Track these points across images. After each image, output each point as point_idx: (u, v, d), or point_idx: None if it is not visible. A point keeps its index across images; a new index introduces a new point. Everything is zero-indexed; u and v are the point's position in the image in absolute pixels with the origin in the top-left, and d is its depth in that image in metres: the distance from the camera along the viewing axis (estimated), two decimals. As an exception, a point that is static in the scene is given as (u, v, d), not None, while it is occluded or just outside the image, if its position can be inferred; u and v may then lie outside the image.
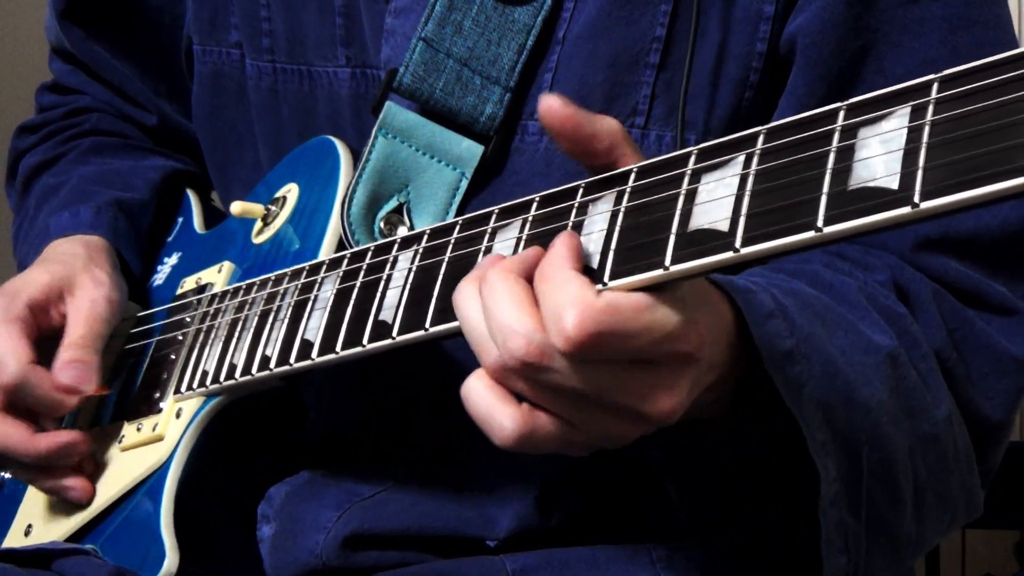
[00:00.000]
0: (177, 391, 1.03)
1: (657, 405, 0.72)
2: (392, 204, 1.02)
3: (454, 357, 1.01)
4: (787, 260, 0.97)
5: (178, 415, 1.03)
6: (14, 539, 1.11)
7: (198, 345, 1.04)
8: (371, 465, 1.04)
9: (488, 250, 0.81)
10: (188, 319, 1.08)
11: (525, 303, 0.71)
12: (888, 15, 0.97)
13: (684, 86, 0.97)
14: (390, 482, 1.03)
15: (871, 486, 0.84)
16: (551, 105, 0.74)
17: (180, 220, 1.26)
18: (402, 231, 1.01)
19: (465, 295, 0.74)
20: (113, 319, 1.08)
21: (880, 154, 0.63)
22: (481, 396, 0.74)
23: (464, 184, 1.01)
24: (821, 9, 0.96)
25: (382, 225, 1.01)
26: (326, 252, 1.01)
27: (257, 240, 1.10)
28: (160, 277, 1.20)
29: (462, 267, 0.82)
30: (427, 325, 0.82)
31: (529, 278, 0.73)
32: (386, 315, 0.86)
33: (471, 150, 1.01)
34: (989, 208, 0.94)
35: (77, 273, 1.09)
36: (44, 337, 1.06)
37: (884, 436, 0.85)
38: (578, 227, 0.76)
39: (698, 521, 0.87)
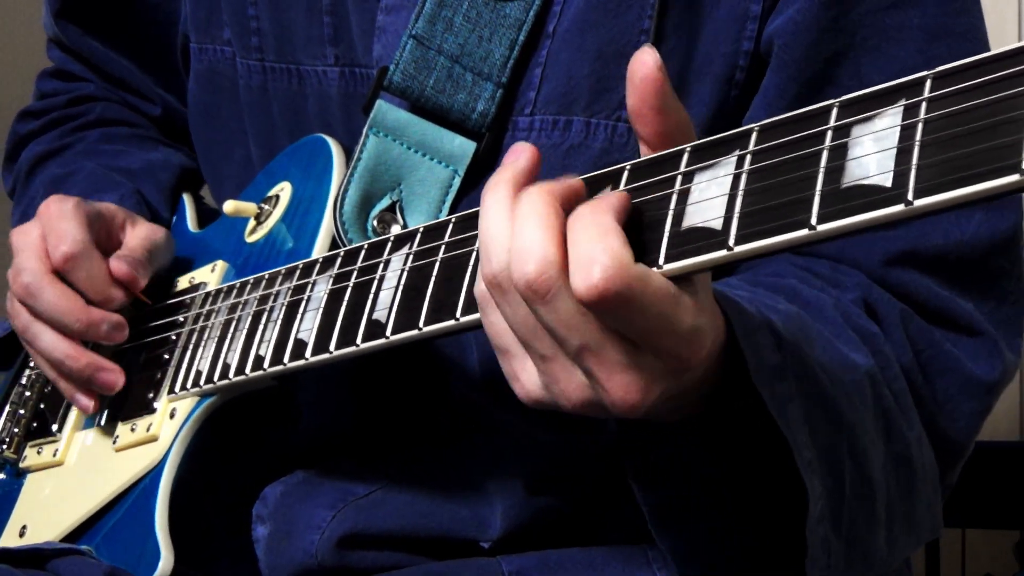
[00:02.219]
0: (171, 391, 1.03)
1: (621, 391, 0.70)
2: (385, 203, 1.01)
3: (446, 356, 1.01)
4: (764, 274, 0.96)
5: (172, 415, 1.02)
6: (8, 539, 1.10)
7: (192, 345, 1.04)
8: (365, 464, 1.04)
9: None
10: (182, 318, 1.07)
11: (556, 231, 0.69)
12: (867, 20, 0.96)
13: None
14: (384, 481, 1.03)
15: (852, 505, 0.83)
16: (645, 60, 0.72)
17: (174, 219, 1.25)
18: (395, 230, 1.01)
19: (496, 197, 0.72)
20: (165, 257, 1.12)
21: (873, 152, 0.63)
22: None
23: (457, 182, 1.01)
24: (796, 12, 0.95)
25: (375, 224, 1.01)
26: (319, 252, 1.01)
27: (250, 239, 1.09)
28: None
29: (455, 267, 0.82)
30: (421, 325, 0.82)
31: (567, 208, 0.71)
32: (380, 315, 0.86)
33: (463, 147, 1.00)
34: (959, 223, 0.95)
35: (139, 217, 1.13)
36: (99, 249, 1.06)
37: (864, 455, 0.84)
38: None
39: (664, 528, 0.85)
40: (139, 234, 1.10)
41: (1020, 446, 1.04)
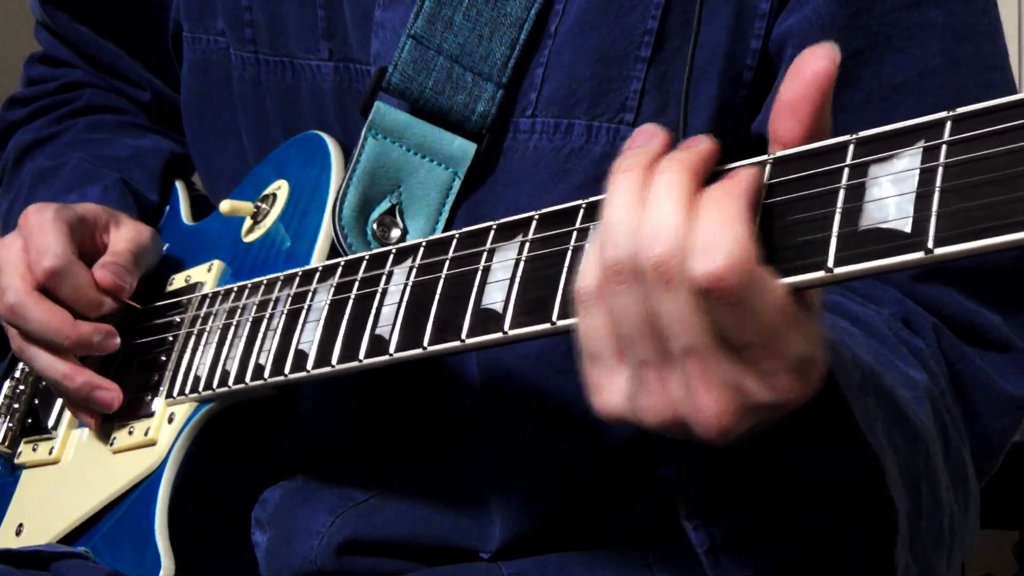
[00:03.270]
0: (168, 395, 1.02)
1: (715, 409, 0.66)
2: (384, 206, 1.00)
3: (446, 364, 1.00)
4: None
5: (170, 420, 1.01)
6: (5, 538, 1.10)
7: (189, 348, 1.03)
8: (364, 469, 1.03)
9: (486, 271, 0.80)
10: (179, 320, 1.06)
11: (688, 211, 0.64)
12: (889, 18, 0.93)
13: (687, 74, 0.94)
14: (383, 486, 1.02)
15: (925, 525, 0.80)
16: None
17: (167, 209, 1.24)
18: (395, 233, 0.99)
19: (627, 179, 0.67)
20: (153, 256, 1.11)
21: (892, 195, 0.61)
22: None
23: (457, 184, 0.99)
24: (811, 10, 0.93)
25: (375, 227, 0.99)
26: (319, 256, 0.99)
27: (247, 239, 1.08)
28: None
29: (460, 286, 0.81)
30: (425, 344, 0.81)
31: (701, 183, 0.66)
32: (383, 330, 0.85)
33: (463, 149, 0.99)
34: None
35: (123, 215, 1.11)
36: (83, 255, 1.05)
37: (935, 474, 0.82)
38: (578, 252, 0.74)
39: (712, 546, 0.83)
40: (124, 235, 1.08)
41: (1020, 446, 1.04)
